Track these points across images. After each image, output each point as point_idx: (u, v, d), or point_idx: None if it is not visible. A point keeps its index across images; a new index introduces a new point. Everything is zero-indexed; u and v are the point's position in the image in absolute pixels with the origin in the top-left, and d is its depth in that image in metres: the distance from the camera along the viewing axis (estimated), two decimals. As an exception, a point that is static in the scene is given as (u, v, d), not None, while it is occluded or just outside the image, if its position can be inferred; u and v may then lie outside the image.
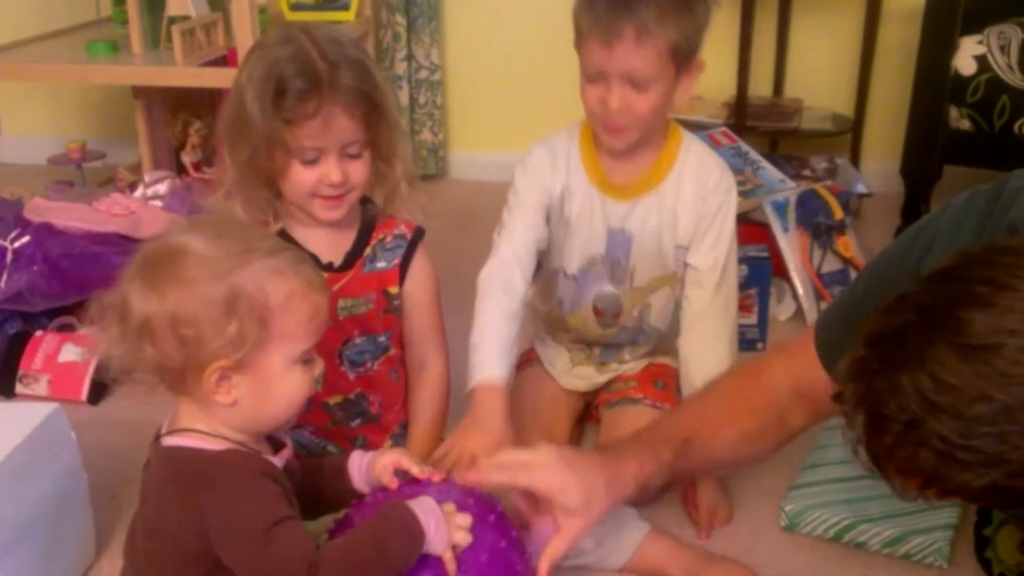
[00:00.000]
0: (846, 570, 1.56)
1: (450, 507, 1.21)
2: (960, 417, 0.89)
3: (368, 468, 1.30)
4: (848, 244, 2.42)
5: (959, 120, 2.50)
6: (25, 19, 3.19)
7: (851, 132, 3.01)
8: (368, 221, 1.57)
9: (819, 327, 1.38)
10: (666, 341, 1.82)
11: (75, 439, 1.50)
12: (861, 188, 2.71)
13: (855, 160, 3.00)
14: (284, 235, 1.50)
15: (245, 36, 2.46)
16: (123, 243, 2.22)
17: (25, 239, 2.21)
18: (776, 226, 2.38)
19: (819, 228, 2.39)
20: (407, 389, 1.67)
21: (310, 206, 1.48)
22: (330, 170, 1.43)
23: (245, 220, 1.47)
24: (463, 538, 1.19)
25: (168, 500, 1.16)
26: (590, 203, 1.67)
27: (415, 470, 1.28)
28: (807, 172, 2.77)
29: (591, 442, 1.86)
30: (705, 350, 1.68)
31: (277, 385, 1.18)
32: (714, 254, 1.68)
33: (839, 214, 2.41)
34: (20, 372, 2.06)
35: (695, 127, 2.34)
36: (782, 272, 2.36)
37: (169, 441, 1.19)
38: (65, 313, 2.19)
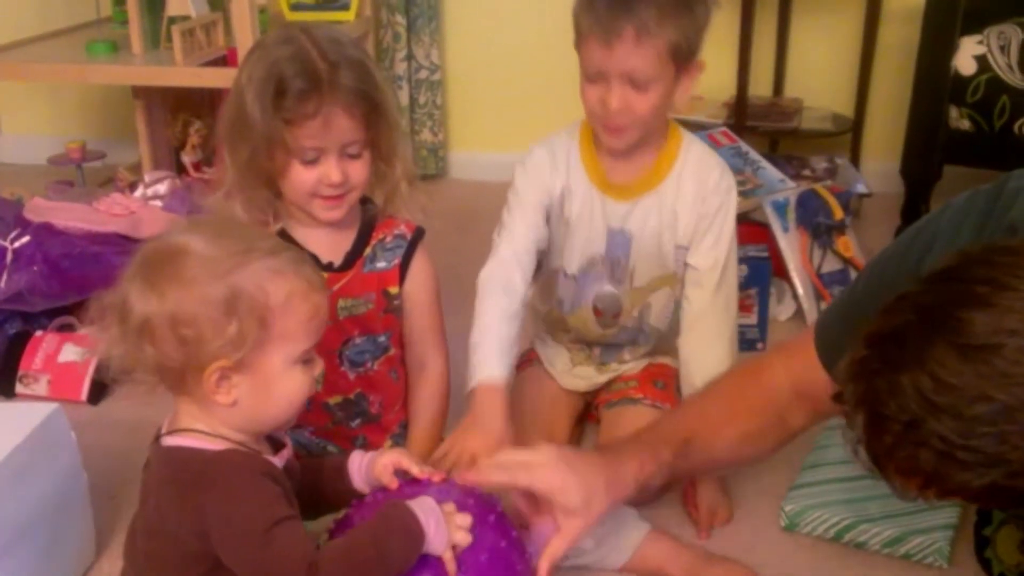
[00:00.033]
0: (846, 570, 1.56)
1: (450, 507, 1.21)
2: (960, 417, 0.89)
3: (368, 468, 1.30)
4: (848, 244, 2.42)
5: (959, 120, 2.50)
6: (25, 19, 3.19)
7: (851, 132, 3.01)
8: (368, 221, 1.57)
9: (819, 327, 1.38)
10: (666, 341, 1.82)
11: (75, 439, 1.50)
12: (861, 188, 2.71)
13: (855, 160, 3.00)
14: (284, 235, 1.50)
15: (245, 36, 2.46)
16: (123, 243, 2.22)
17: (25, 239, 2.21)
18: (776, 226, 2.38)
19: (819, 228, 2.39)
20: (407, 389, 1.67)
21: (310, 206, 1.48)
22: (330, 170, 1.43)
23: (245, 220, 1.47)
24: (463, 538, 1.19)
25: (168, 500, 1.16)
26: (590, 203, 1.67)
27: (415, 470, 1.28)
28: (807, 172, 2.77)
29: (591, 442, 1.86)
30: (705, 350, 1.68)
31: (277, 385, 1.18)
32: (714, 254, 1.68)
33: (839, 214, 2.41)
34: (20, 372, 2.06)
35: (695, 127, 2.34)
36: (782, 272, 2.36)
37: (169, 441, 1.19)
38: (65, 313, 2.19)
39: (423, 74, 3.24)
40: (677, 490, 1.70)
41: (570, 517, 1.29)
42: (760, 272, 2.22)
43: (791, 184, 2.51)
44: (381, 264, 1.57)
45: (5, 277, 2.16)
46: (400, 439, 1.65)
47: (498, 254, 1.64)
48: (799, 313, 2.35)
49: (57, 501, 1.45)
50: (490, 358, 1.54)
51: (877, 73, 3.00)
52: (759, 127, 2.96)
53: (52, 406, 1.46)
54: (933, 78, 2.55)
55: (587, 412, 1.90)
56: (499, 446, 1.43)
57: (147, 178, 2.66)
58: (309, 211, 1.49)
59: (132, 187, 2.65)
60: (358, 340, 1.58)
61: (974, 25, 2.47)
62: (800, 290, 2.34)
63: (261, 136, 1.41)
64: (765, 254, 2.27)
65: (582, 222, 1.68)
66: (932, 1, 2.60)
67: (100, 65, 2.73)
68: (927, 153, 2.62)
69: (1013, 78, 2.42)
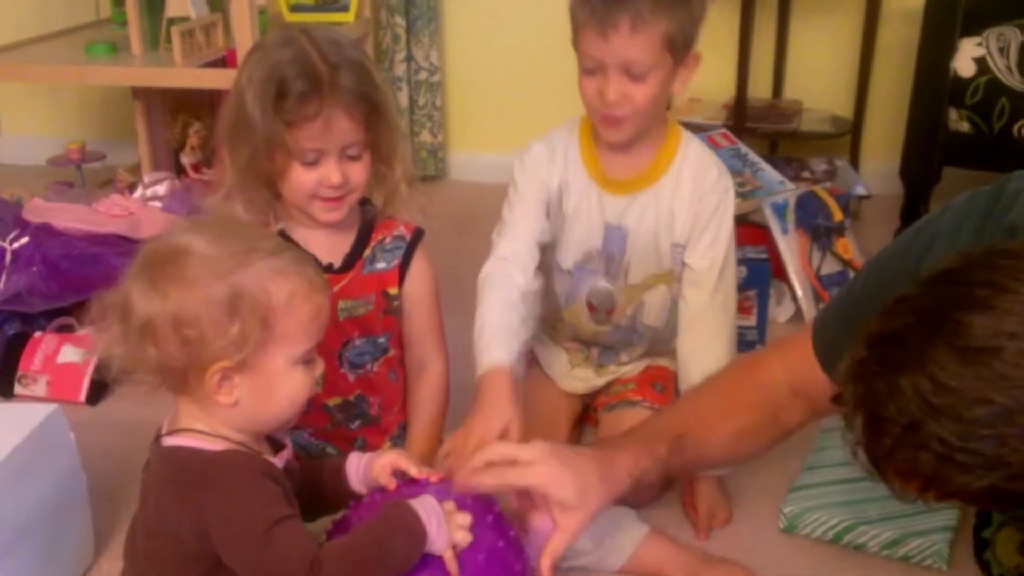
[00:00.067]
0: (845, 572, 1.56)
1: (450, 506, 1.21)
2: (960, 420, 0.89)
3: (366, 469, 1.30)
4: (847, 246, 2.42)
5: (958, 122, 2.51)
6: (25, 20, 3.19)
7: (850, 134, 3.01)
8: (367, 222, 1.57)
9: (817, 325, 1.37)
10: (664, 343, 1.82)
11: (74, 440, 1.50)
12: (860, 190, 2.71)
13: (854, 162, 3.00)
14: (284, 236, 1.50)
15: (245, 37, 2.46)
16: (122, 244, 2.22)
17: (24, 240, 2.21)
18: (775, 228, 2.38)
19: (818, 230, 2.39)
20: (406, 390, 1.67)
21: (310, 208, 1.48)
22: (330, 172, 1.43)
23: (246, 221, 1.47)
24: (463, 537, 1.20)
25: (168, 500, 1.16)
26: (587, 197, 1.68)
27: (413, 470, 1.28)
28: (806, 174, 2.77)
29: (590, 444, 1.86)
30: (703, 350, 1.68)
31: (278, 385, 1.18)
32: (711, 254, 1.68)
33: (838, 216, 2.41)
34: (19, 373, 2.06)
35: (694, 129, 2.33)
36: (781, 274, 2.36)
37: (169, 441, 1.19)
38: (64, 314, 2.19)
39: (422, 75, 3.25)
40: (676, 491, 1.70)
41: (567, 512, 1.28)
42: (759, 274, 2.22)
43: (790, 186, 2.51)
44: (381, 265, 1.57)
45: (4, 278, 2.16)
46: (399, 441, 1.65)
47: (497, 252, 1.65)
48: (798, 315, 2.35)
49: (56, 502, 1.45)
50: (492, 344, 1.54)
51: (876, 75, 3.01)
52: (758, 129, 2.96)
53: (51, 407, 1.46)
54: (932, 80, 2.55)
55: (586, 414, 1.90)
56: (507, 428, 1.43)
57: (146, 179, 2.65)
58: (309, 213, 1.49)
59: (131, 188, 2.65)
60: (358, 342, 1.58)
61: (973, 27, 2.47)
62: (799, 292, 2.34)
63: (261, 138, 1.41)
64: (764, 256, 2.27)
65: (579, 216, 1.69)
66: (931, 3, 2.61)
67: (99, 66, 2.73)
68: (926, 155, 2.62)
69: (1012, 80, 2.42)
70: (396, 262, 1.58)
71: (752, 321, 2.22)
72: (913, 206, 2.68)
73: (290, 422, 1.24)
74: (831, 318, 1.36)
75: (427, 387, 1.64)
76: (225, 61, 2.64)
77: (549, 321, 1.85)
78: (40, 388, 2.05)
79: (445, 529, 1.18)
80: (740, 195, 2.34)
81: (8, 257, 2.19)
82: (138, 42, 2.73)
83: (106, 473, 1.66)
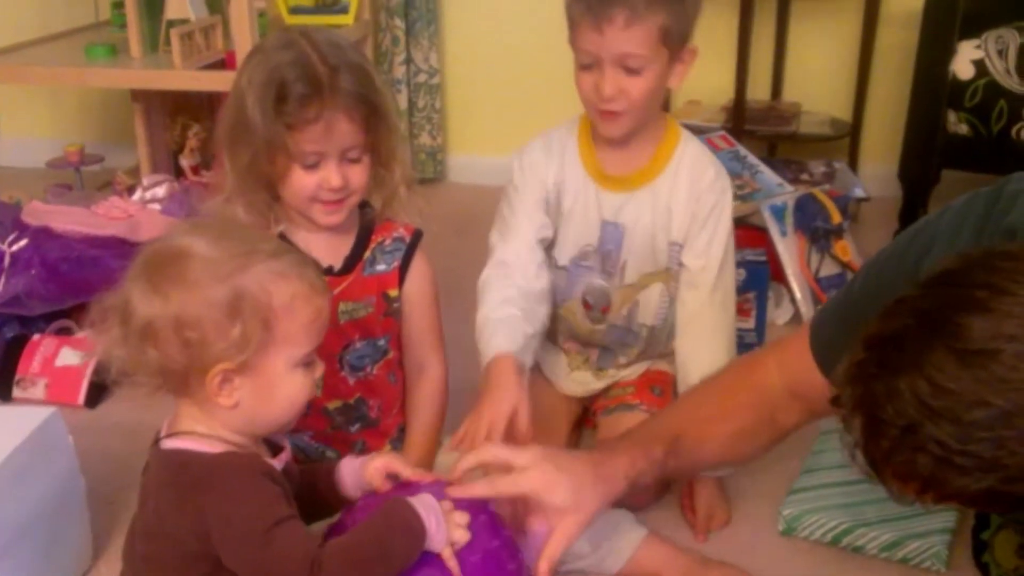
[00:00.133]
0: (844, 574, 1.56)
1: (448, 505, 1.21)
2: (958, 422, 0.89)
3: (359, 473, 1.30)
4: (846, 248, 2.42)
5: (957, 124, 2.51)
6: (24, 22, 3.19)
7: (849, 136, 3.01)
8: (366, 225, 1.57)
9: (814, 326, 1.37)
10: (662, 344, 1.82)
11: (72, 443, 1.50)
12: (859, 192, 2.71)
13: (853, 164, 3.00)
14: (283, 239, 1.50)
15: (244, 39, 2.46)
16: (121, 247, 2.22)
17: (23, 243, 2.21)
18: (774, 230, 2.38)
19: (817, 232, 2.39)
20: (405, 392, 1.67)
21: (310, 211, 1.48)
22: (330, 174, 1.43)
23: (246, 223, 1.47)
24: (461, 536, 1.20)
25: (167, 502, 1.16)
26: (584, 194, 1.68)
27: (406, 472, 1.28)
28: (805, 176, 2.78)
29: (589, 447, 1.86)
30: (702, 351, 1.69)
31: (279, 388, 1.18)
32: (708, 254, 1.68)
33: (837, 218, 2.41)
34: (17, 376, 2.06)
35: (693, 131, 2.33)
36: (780, 276, 2.36)
37: (168, 444, 1.19)
38: (63, 317, 2.19)
39: (422, 78, 3.25)
40: (674, 494, 1.70)
41: (562, 516, 1.28)
42: (758, 276, 2.22)
43: (789, 188, 2.51)
44: (381, 267, 1.57)
45: (3, 281, 2.16)
46: (399, 443, 1.65)
47: (495, 257, 1.65)
48: (797, 317, 2.35)
49: (54, 505, 1.45)
50: (494, 335, 1.55)
51: (875, 77, 3.01)
52: (757, 131, 2.96)
53: (50, 410, 1.46)
54: (931, 82, 2.55)
55: (585, 418, 1.90)
56: (515, 410, 1.44)
57: (145, 181, 2.65)
58: (309, 216, 1.48)
59: (130, 190, 2.65)
60: (358, 344, 1.58)
61: (972, 29, 2.47)
62: (798, 294, 2.34)
63: (262, 141, 1.41)
64: (763, 258, 2.27)
65: (575, 213, 1.69)
66: (930, 5, 2.61)
67: (99, 68, 2.73)
68: (925, 157, 2.62)
69: (1011, 82, 2.42)
70: (396, 264, 1.58)
71: (751, 323, 2.22)
72: (912, 208, 2.68)
73: (290, 424, 1.24)
74: (829, 319, 1.36)
75: (426, 389, 1.64)
76: (224, 63, 2.64)
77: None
78: (39, 391, 2.04)
79: (444, 527, 1.18)
80: (739, 197, 2.34)
81: (7, 260, 2.18)
82: (137, 44, 2.73)
83: (105, 476, 1.66)
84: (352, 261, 1.55)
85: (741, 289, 2.08)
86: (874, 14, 2.93)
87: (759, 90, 3.11)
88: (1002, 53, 2.44)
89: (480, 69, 3.30)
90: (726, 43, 2.94)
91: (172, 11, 2.69)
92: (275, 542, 1.11)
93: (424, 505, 1.18)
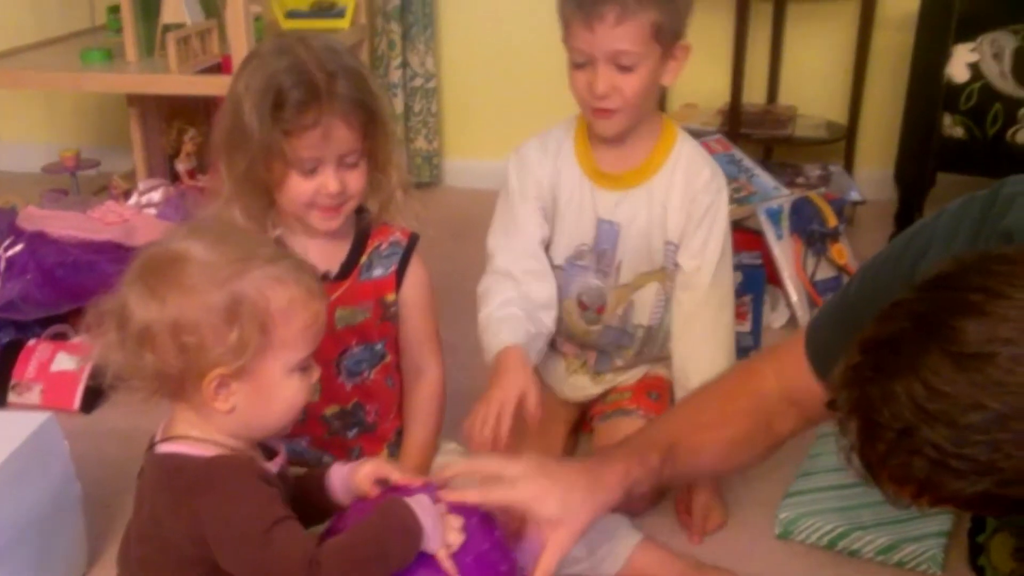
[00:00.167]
0: (840, 578, 1.56)
1: (442, 506, 1.21)
2: (953, 425, 0.89)
3: (349, 479, 1.29)
4: (842, 251, 2.42)
5: (952, 127, 2.51)
6: (20, 27, 3.19)
7: (845, 139, 3.02)
8: (363, 230, 1.57)
9: (810, 330, 1.37)
10: (658, 346, 1.81)
11: (68, 448, 1.50)
12: (855, 195, 2.72)
13: (849, 167, 3.00)
14: (280, 244, 1.49)
15: (240, 44, 2.46)
16: (117, 251, 2.22)
17: (19, 248, 2.20)
18: (770, 233, 2.38)
19: (813, 235, 2.40)
20: (402, 396, 1.66)
21: (307, 216, 1.47)
22: (328, 180, 1.43)
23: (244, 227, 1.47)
24: (456, 537, 1.20)
25: (163, 506, 1.16)
26: (579, 192, 1.68)
27: (395, 475, 1.27)
28: (801, 179, 2.78)
29: (586, 452, 1.86)
30: (698, 352, 1.69)
31: (275, 392, 1.18)
32: (704, 255, 1.68)
33: (833, 221, 2.42)
34: (13, 381, 2.06)
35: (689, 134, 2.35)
36: (776, 280, 2.36)
37: (163, 448, 1.19)
38: (59, 322, 2.19)
39: (418, 82, 3.25)
40: (670, 499, 1.70)
41: (555, 528, 1.27)
42: (754, 279, 2.22)
43: (785, 191, 2.52)
44: (378, 272, 1.57)
45: (-1, 285, 2.16)
46: (397, 448, 1.64)
47: (492, 265, 1.66)
48: (793, 320, 2.35)
49: (50, 510, 1.45)
50: (500, 331, 1.56)
51: (871, 80, 3.01)
52: (753, 135, 2.96)
53: (45, 415, 1.46)
54: (927, 85, 2.56)
55: (582, 422, 1.90)
56: (524, 395, 1.45)
57: (141, 186, 2.65)
58: (306, 221, 1.48)
59: (126, 195, 2.65)
60: (355, 349, 1.58)
61: (968, 33, 2.48)
62: (794, 297, 2.35)
63: (259, 147, 1.40)
64: (759, 261, 2.27)
65: (571, 211, 1.69)
66: (926, 9, 2.61)
67: (95, 73, 2.73)
68: (921, 160, 2.62)
69: (1006, 86, 2.42)
70: (393, 268, 1.58)
71: (747, 327, 2.22)
72: (907, 211, 2.69)
73: (286, 429, 1.23)
74: (825, 322, 1.36)
75: (424, 392, 1.64)
76: (220, 68, 2.64)
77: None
78: (34, 396, 2.04)
79: (440, 528, 1.18)
80: (735, 201, 2.35)
81: (2, 265, 2.18)
82: (133, 49, 2.73)
83: (100, 481, 1.66)
84: (349, 266, 1.55)
85: (737, 292, 2.08)
86: (870, 17, 2.93)
87: (755, 93, 3.11)
88: (997, 56, 2.44)
89: (476, 73, 3.30)
90: (722, 46, 2.95)
91: (168, 15, 2.70)
92: (274, 542, 1.11)
93: (420, 506, 1.18)
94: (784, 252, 2.37)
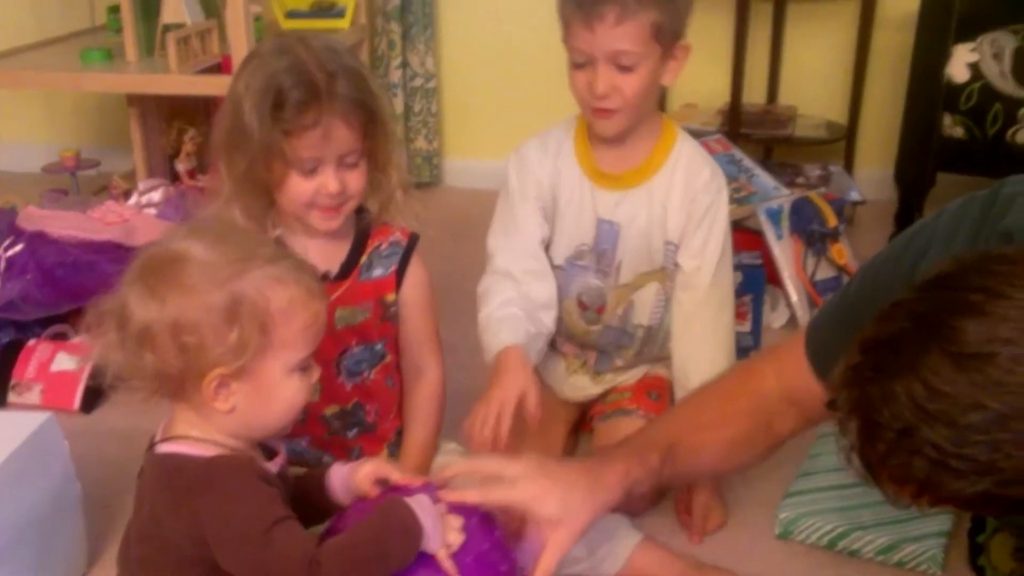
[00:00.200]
0: (840, 578, 1.56)
1: (442, 507, 1.21)
2: (953, 425, 0.89)
3: (348, 479, 1.29)
4: (842, 251, 2.42)
5: (952, 127, 2.51)
6: (20, 27, 3.19)
7: (845, 139, 3.02)
8: (363, 230, 1.57)
9: (810, 330, 1.37)
10: (658, 346, 1.81)
11: (68, 448, 1.50)
12: (855, 195, 2.72)
13: (849, 167, 3.00)
14: (280, 244, 1.49)
15: (240, 44, 2.46)
16: (117, 251, 2.22)
17: (19, 248, 2.20)
18: (770, 233, 2.38)
19: (813, 235, 2.40)
20: (402, 395, 1.66)
21: (308, 217, 1.47)
22: (328, 180, 1.43)
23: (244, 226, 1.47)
24: (456, 538, 1.20)
25: (163, 506, 1.16)
26: (579, 192, 1.68)
27: (395, 475, 1.27)
28: (801, 179, 2.78)
29: (586, 452, 1.86)
30: (700, 349, 1.69)
31: (275, 392, 1.18)
32: (704, 255, 1.68)
33: (833, 221, 2.42)
34: (13, 381, 2.06)
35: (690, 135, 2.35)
36: (776, 280, 2.36)
37: (163, 448, 1.19)
38: (59, 322, 2.19)
39: (418, 82, 3.25)
40: (670, 498, 1.70)
41: (554, 528, 1.27)
42: (754, 280, 2.22)
43: (785, 191, 2.52)
44: (378, 272, 1.57)
45: (-1, 285, 2.16)
46: (397, 448, 1.64)
47: (492, 266, 1.66)
48: (793, 320, 2.35)
49: (50, 510, 1.45)
50: (500, 333, 1.56)
51: (871, 80, 3.01)
52: (753, 135, 2.96)
53: (45, 415, 1.46)
54: (926, 85, 2.56)
55: (582, 422, 1.90)
56: (524, 394, 1.45)
57: (141, 186, 2.65)
58: (307, 221, 1.48)
59: (126, 195, 2.65)
60: (356, 349, 1.58)
61: (968, 33, 2.48)
62: (794, 297, 2.35)
63: (259, 147, 1.40)
64: (759, 262, 2.27)
65: (571, 211, 1.69)
66: (926, 8, 2.61)
67: (95, 73, 2.73)
68: (921, 160, 2.62)
69: (1006, 86, 2.43)
70: (393, 268, 1.58)
71: (747, 327, 2.22)
72: (907, 211, 2.69)
73: (285, 429, 1.23)
74: (824, 323, 1.36)
75: (424, 392, 1.64)
76: (220, 68, 2.64)
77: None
78: (34, 396, 2.04)
79: (440, 527, 1.18)
80: (735, 201, 2.35)
81: (2, 265, 2.18)
82: (133, 49, 2.73)
83: (100, 481, 1.66)
84: (348, 266, 1.55)
85: (737, 292, 2.08)
86: (870, 17, 2.93)
87: (755, 94, 3.11)
88: (997, 56, 2.44)
89: (476, 73, 3.30)
90: (722, 47, 2.95)
91: (168, 15, 2.70)
92: (275, 542, 1.11)
93: (420, 506, 1.18)
94: (784, 252, 2.37)
